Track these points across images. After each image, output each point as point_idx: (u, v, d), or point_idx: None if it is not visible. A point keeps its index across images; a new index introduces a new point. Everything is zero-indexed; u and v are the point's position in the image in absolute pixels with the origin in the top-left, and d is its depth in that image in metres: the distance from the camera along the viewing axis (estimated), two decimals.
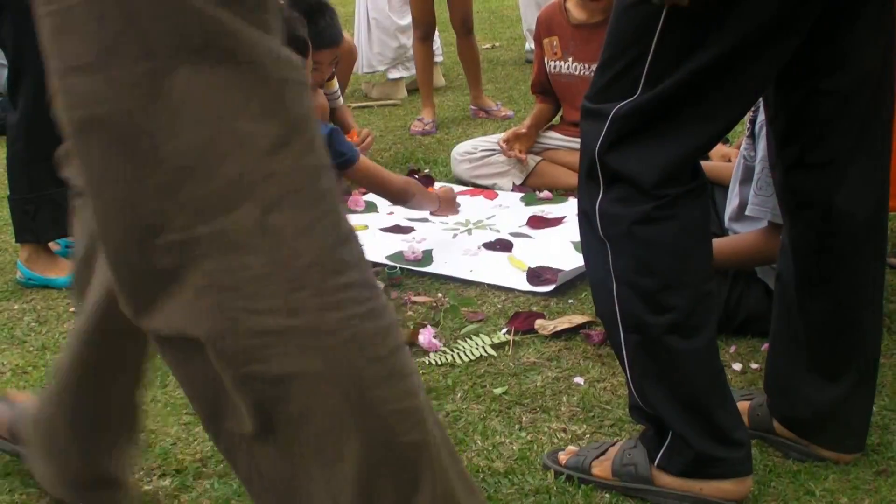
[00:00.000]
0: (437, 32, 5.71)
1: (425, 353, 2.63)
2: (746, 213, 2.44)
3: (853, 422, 2.04)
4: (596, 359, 2.56)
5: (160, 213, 1.10)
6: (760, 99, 2.04)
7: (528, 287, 3.04)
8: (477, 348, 2.64)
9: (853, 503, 1.92)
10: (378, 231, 3.66)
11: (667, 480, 1.91)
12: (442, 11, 5.36)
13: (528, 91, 5.04)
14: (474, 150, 4.20)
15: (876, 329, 2.01)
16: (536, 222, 3.66)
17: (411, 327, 2.76)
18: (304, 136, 1.15)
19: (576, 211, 3.68)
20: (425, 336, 2.66)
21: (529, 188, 4.08)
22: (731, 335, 2.61)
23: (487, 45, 7.57)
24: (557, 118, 4.31)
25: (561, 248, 3.37)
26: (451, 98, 5.90)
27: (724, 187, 2.74)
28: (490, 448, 2.17)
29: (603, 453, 2.03)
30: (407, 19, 5.69)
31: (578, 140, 4.21)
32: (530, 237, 3.53)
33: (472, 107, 5.45)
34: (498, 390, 2.42)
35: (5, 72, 3.28)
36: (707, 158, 3.18)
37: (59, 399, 1.86)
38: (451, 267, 3.24)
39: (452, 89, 6.14)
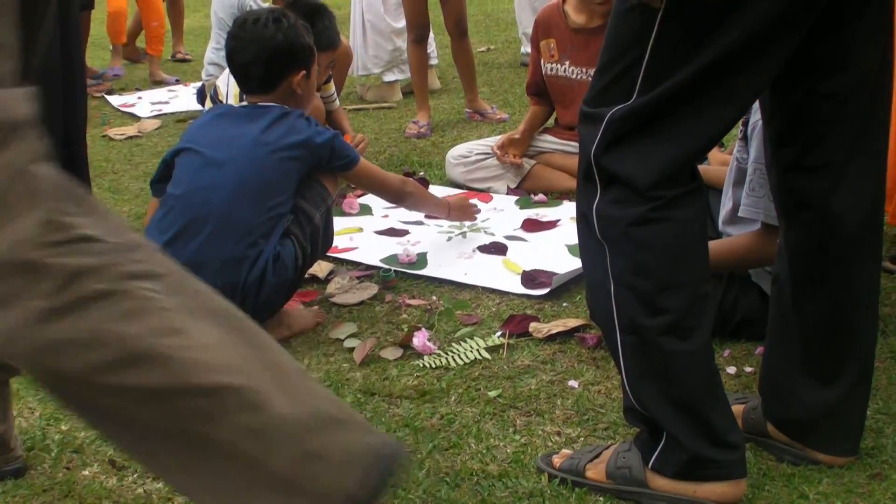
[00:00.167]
0: (432, 35, 5.71)
1: (419, 355, 2.63)
2: (739, 214, 2.44)
3: (847, 425, 2.04)
4: (590, 362, 2.56)
5: None
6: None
7: (522, 290, 3.04)
8: (471, 351, 2.64)
9: None
10: (373, 234, 3.66)
11: (661, 483, 1.91)
12: (437, 14, 5.35)
13: (524, 94, 5.03)
14: (469, 153, 4.20)
15: (871, 332, 2.01)
16: (531, 225, 3.66)
17: (405, 330, 2.76)
18: None
19: (570, 214, 3.74)
20: (419, 339, 2.65)
21: (524, 191, 4.08)
22: (726, 339, 2.61)
23: (483, 48, 7.57)
24: (551, 121, 4.31)
25: (555, 252, 3.37)
26: (446, 101, 5.90)
27: (719, 191, 2.74)
28: (484, 451, 2.17)
29: (597, 456, 2.03)
30: (402, 22, 5.69)
31: (573, 144, 4.26)
32: (525, 240, 3.53)
33: (468, 110, 5.44)
34: (492, 393, 2.42)
35: None
36: (705, 162, 3.18)
37: None
38: (446, 270, 3.24)
39: (448, 92, 6.14)
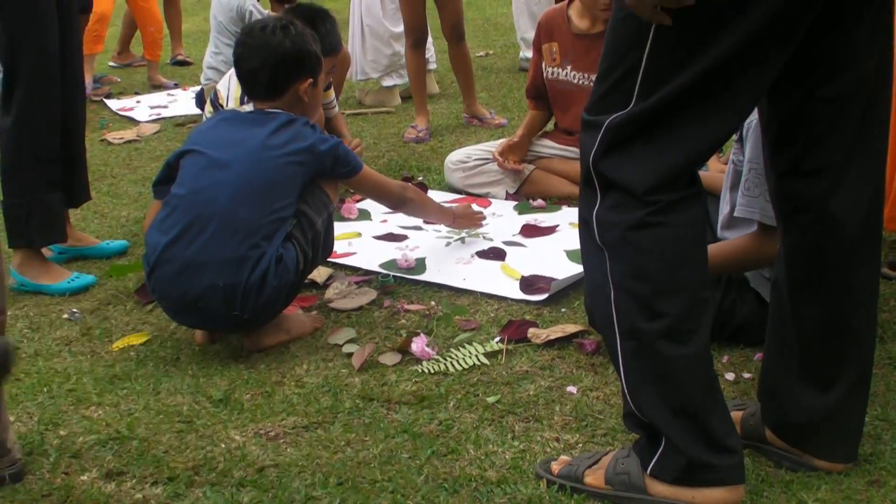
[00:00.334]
0: (430, 40, 5.71)
1: (418, 361, 2.63)
2: (735, 214, 2.44)
3: (845, 431, 2.04)
4: (589, 368, 2.56)
5: None
6: None
7: (521, 296, 3.04)
8: (470, 357, 2.64)
9: None
10: (371, 239, 3.66)
11: (660, 489, 1.91)
12: (435, 18, 5.36)
13: (522, 98, 5.03)
14: (467, 158, 4.20)
15: (869, 337, 2.01)
16: (530, 231, 3.66)
17: (404, 336, 2.76)
18: None
19: (569, 220, 3.74)
20: (418, 344, 2.65)
21: (523, 197, 4.08)
22: (724, 345, 2.61)
23: (481, 53, 7.58)
24: (550, 125, 4.31)
25: (554, 257, 3.37)
26: (444, 106, 5.91)
27: (717, 197, 2.74)
28: (483, 457, 2.17)
29: (596, 462, 2.03)
30: (401, 27, 5.69)
31: (572, 149, 4.27)
32: (523, 246, 3.53)
33: (466, 115, 5.45)
34: (491, 399, 2.42)
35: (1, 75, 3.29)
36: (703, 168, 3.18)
37: None
38: (445, 275, 3.24)
39: (446, 97, 6.14)
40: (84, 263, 3.54)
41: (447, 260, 3.39)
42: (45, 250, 3.40)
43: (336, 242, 3.05)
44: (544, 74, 4.10)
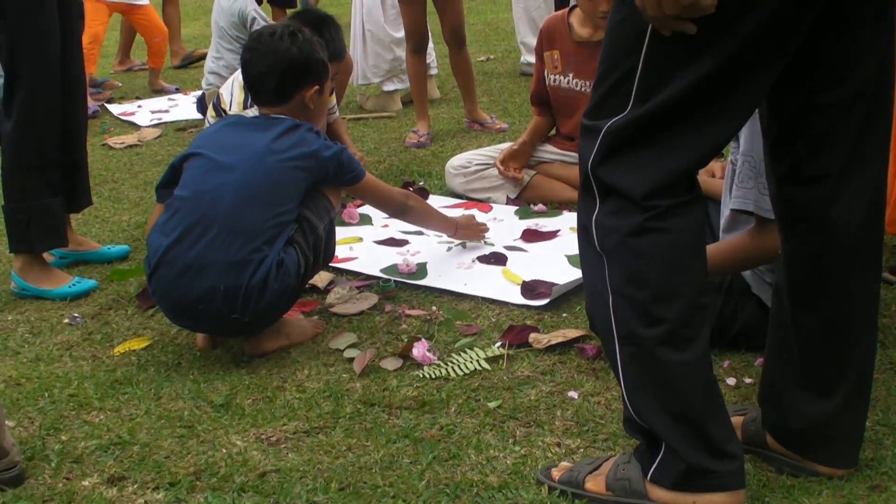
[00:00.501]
0: (431, 45, 5.71)
1: (419, 366, 2.63)
2: (730, 206, 2.44)
3: (846, 436, 2.04)
4: (590, 373, 2.56)
5: None
6: None
7: (522, 300, 3.05)
8: (471, 362, 2.64)
9: None
10: (372, 244, 3.67)
11: (660, 494, 1.91)
12: (436, 24, 5.36)
13: (524, 103, 5.06)
14: (468, 164, 4.20)
15: (870, 343, 2.01)
16: (531, 236, 3.66)
17: (405, 341, 2.77)
18: None
19: (570, 224, 3.75)
20: (419, 349, 2.66)
21: (524, 202, 4.08)
22: (725, 350, 2.61)
23: (482, 58, 7.59)
24: (552, 130, 4.31)
25: (555, 262, 3.37)
26: (445, 110, 5.91)
27: (718, 203, 2.74)
28: (484, 462, 2.17)
29: (597, 468, 2.03)
30: (402, 32, 5.69)
31: (573, 154, 4.27)
32: (524, 251, 3.53)
33: (467, 120, 5.45)
34: (492, 404, 2.42)
35: (1, 81, 3.29)
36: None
37: None
38: (446, 280, 3.24)
39: (447, 101, 6.15)
40: (85, 268, 3.55)
41: (448, 265, 3.39)
42: (46, 255, 3.40)
43: (337, 247, 3.06)
44: (547, 82, 4.10)
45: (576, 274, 3.19)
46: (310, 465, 2.19)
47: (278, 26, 2.94)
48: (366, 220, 3.92)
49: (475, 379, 2.56)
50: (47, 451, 2.31)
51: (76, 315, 3.11)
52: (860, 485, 2.02)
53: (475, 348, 2.71)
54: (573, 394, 2.45)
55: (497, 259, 3.43)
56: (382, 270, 3.35)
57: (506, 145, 4.33)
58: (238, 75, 3.60)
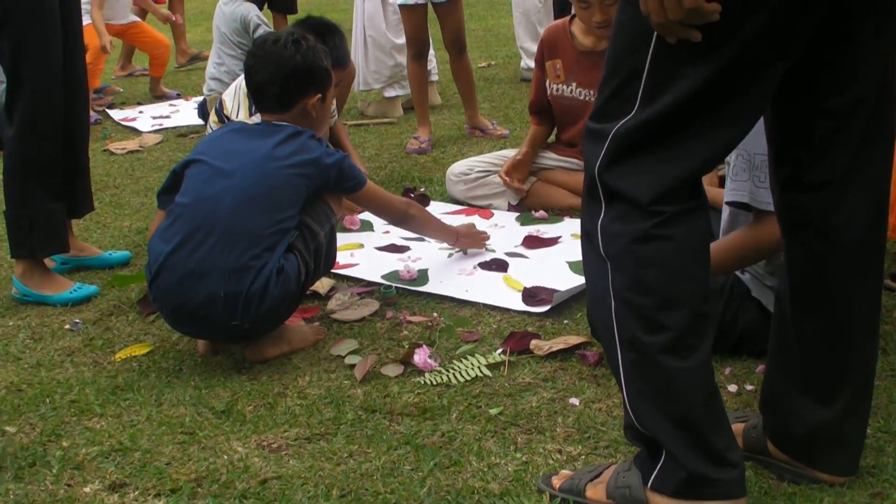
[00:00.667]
0: (432, 51, 5.72)
1: (420, 372, 2.63)
2: (724, 200, 2.44)
3: (847, 443, 2.04)
4: (591, 379, 2.56)
5: None
6: None
7: (523, 307, 3.05)
8: (472, 368, 2.64)
9: None
10: (373, 250, 3.67)
11: (660, 502, 1.90)
12: (437, 30, 5.37)
13: (525, 109, 5.05)
14: (469, 170, 4.20)
15: (871, 350, 2.01)
16: (532, 242, 3.66)
17: (406, 347, 2.77)
18: None
19: (571, 231, 3.74)
20: (420, 356, 2.66)
21: (525, 208, 4.08)
22: (727, 356, 2.61)
23: (483, 64, 7.59)
24: (552, 136, 4.31)
25: (556, 268, 3.37)
26: (446, 116, 5.92)
27: (718, 210, 2.74)
28: (485, 469, 2.17)
29: (597, 476, 2.02)
30: (403, 38, 5.70)
31: (574, 160, 4.26)
32: (526, 257, 3.53)
33: (468, 126, 5.45)
34: (493, 411, 2.42)
35: (3, 86, 3.29)
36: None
37: None
38: (447, 286, 3.24)
39: (448, 108, 6.15)
40: (86, 274, 3.55)
41: (449, 271, 3.39)
42: (47, 260, 3.41)
43: (338, 253, 3.06)
44: (548, 91, 4.10)
45: (577, 280, 3.19)
46: (311, 472, 2.19)
47: (282, 33, 2.94)
48: (367, 226, 3.92)
49: (476, 385, 2.56)
50: (48, 457, 2.31)
51: (77, 321, 3.11)
52: (861, 492, 2.02)
53: (476, 355, 2.71)
54: (574, 400, 2.45)
55: (498, 265, 3.43)
56: (383, 277, 3.35)
57: (507, 151, 4.34)
58: (241, 82, 3.61)
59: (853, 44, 1.79)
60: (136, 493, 2.15)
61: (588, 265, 1.91)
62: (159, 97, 7.11)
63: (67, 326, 3.09)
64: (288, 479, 2.16)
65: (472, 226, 3.62)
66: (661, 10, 1.63)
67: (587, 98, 3.98)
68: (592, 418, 2.36)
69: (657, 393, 1.83)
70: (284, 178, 2.75)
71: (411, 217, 3.22)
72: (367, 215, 3.92)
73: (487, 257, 3.50)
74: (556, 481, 2.05)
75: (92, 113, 6.10)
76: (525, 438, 2.30)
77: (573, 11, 4.00)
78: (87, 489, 2.17)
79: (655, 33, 1.70)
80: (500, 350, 2.74)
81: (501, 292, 3.18)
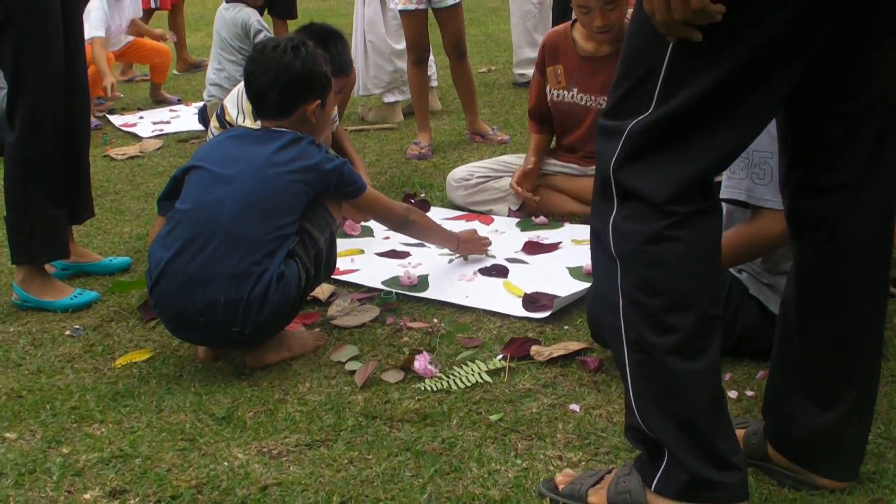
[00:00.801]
0: (432, 57, 5.72)
1: (421, 379, 2.63)
2: (721, 196, 2.44)
3: (848, 448, 2.04)
4: (591, 385, 2.56)
5: None
6: None
7: (523, 313, 3.05)
8: (472, 374, 2.64)
9: None
10: (374, 256, 3.67)
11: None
12: (437, 35, 5.37)
13: (525, 115, 5.05)
14: (470, 176, 4.20)
15: (875, 356, 2.01)
16: (532, 248, 3.66)
17: (407, 353, 2.77)
18: None
19: (571, 236, 3.74)
20: (421, 362, 2.66)
21: (525, 214, 4.08)
22: (728, 362, 2.61)
23: (483, 69, 7.60)
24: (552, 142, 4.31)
25: (557, 274, 3.37)
26: (447, 122, 5.92)
27: None
28: (486, 475, 2.17)
29: (599, 481, 2.02)
30: (403, 44, 5.70)
31: (574, 166, 4.25)
32: (526, 263, 3.53)
33: (468, 131, 5.45)
34: (493, 417, 2.42)
35: (4, 91, 3.30)
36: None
37: None
38: (447, 292, 3.24)
39: (448, 113, 6.16)
40: (87, 280, 3.55)
41: (450, 277, 3.40)
42: (47, 266, 3.41)
43: (339, 259, 3.06)
44: (549, 97, 4.09)
45: (578, 286, 3.19)
46: (311, 479, 2.19)
47: (282, 39, 2.95)
48: (367, 231, 3.92)
49: (477, 392, 2.56)
50: (48, 463, 2.31)
51: (77, 327, 3.11)
52: (862, 498, 2.02)
53: (477, 361, 2.71)
54: (575, 406, 2.45)
55: (498, 271, 3.43)
56: (384, 283, 3.35)
57: (507, 157, 4.34)
58: (243, 88, 3.60)
59: (869, 48, 1.79)
60: (137, 499, 2.15)
61: (596, 263, 1.90)
62: (160, 102, 7.11)
63: (68, 332, 3.09)
64: (288, 486, 2.16)
65: (474, 231, 3.62)
66: (666, 9, 1.64)
67: (588, 103, 3.98)
68: (593, 424, 2.37)
69: (663, 394, 1.83)
70: (284, 183, 2.75)
71: (412, 223, 3.22)
72: (367, 221, 3.93)
73: (488, 263, 3.50)
74: (561, 480, 2.04)
75: (93, 119, 6.11)
76: (525, 445, 2.30)
77: (573, 17, 4.01)
78: (87, 496, 2.17)
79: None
80: (500, 356, 2.74)
81: (502, 298, 3.18)
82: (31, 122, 3.19)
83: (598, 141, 1.85)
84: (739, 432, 2.15)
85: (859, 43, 1.78)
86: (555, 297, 3.10)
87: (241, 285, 2.63)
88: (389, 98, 6.09)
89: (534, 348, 2.74)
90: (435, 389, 2.58)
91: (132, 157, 5.49)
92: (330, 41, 3.70)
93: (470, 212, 4.16)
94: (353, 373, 2.69)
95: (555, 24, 6.14)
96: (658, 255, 1.78)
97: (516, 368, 2.68)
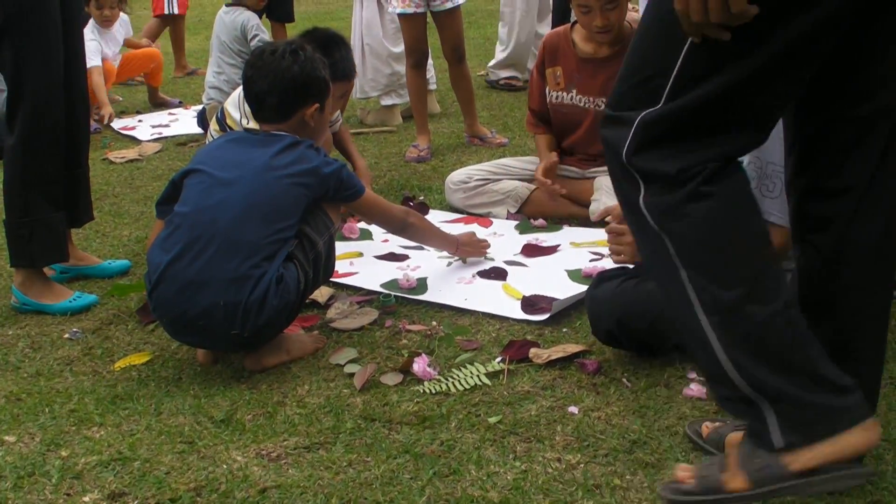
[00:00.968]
0: (431, 60, 5.73)
1: (419, 381, 2.63)
2: None
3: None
4: (590, 388, 2.56)
5: None
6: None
7: (522, 315, 3.05)
8: (471, 377, 2.64)
9: None
10: (373, 258, 3.67)
11: (800, 456, 1.81)
12: (435, 39, 5.37)
13: (523, 118, 5.04)
14: (469, 179, 4.20)
15: (877, 359, 2.01)
16: (531, 250, 3.66)
17: (406, 356, 2.77)
18: None
19: (570, 239, 3.75)
20: (419, 365, 2.66)
21: (524, 216, 4.08)
22: None
23: (482, 72, 7.59)
24: None
25: (555, 277, 3.37)
26: (445, 125, 5.92)
27: None
28: (484, 478, 2.17)
29: (724, 468, 1.91)
30: (400, 47, 5.71)
31: (573, 169, 4.24)
32: (525, 265, 3.53)
33: (467, 134, 5.46)
34: (492, 419, 2.42)
35: (4, 95, 3.30)
36: None
37: None
38: (446, 295, 3.24)
39: (447, 116, 6.16)
40: (86, 283, 3.55)
41: (448, 280, 3.40)
42: (46, 270, 3.41)
43: (338, 262, 3.07)
44: (548, 100, 4.09)
45: (576, 289, 3.19)
46: (310, 481, 2.19)
47: (280, 44, 2.96)
48: (366, 234, 3.93)
49: (475, 394, 2.57)
50: (48, 466, 2.31)
51: (77, 330, 3.11)
52: (861, 500, 2.02)
53: (475, 363, 2.71)
54: (573, 409, 2.45)
55: (497, 274, 3.43)
56: (383, 285, 3.35)
57: (506, 160, 4.34)
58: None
59: (881, 53, 1.79)
60: (136, 502, 2.15)
61: (643, 244, 1.87)
62: (160, 105, 7.11)
63: (67, 336, 3.09)
64: (287, 489, 2.17)
65: (473, 234, 3.62)
66: (703, 11, 1.63)
67: (587, 105, 3.99)
68: (591, 427, 2.37)
69: (752, 344, 1.79)
70: (283, 187, 2.75)
71: (410, 226, 3.23)
72: (366, 224, 3.93)
73: (486, 266, 3.51)
74: (686, 479, 1.92)
75: (92, 122, 6.11)
76: (524, 447, 2.30)
77: (572, 19, 4.01)
78: (86, 499, 2.17)
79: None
80: (499, 358, 2.74)
81: (500, 301, 3.18)
82: (30, 125, 3.19)
83: (604, 129, 1.84)
84: (739, 434, 2.15)
85: (871, 47, 1.78)
86: (553, 299, 3.10)
87: (240, 288, 2.64)
88: (387, 101, 6.10)
89: (532, 351, 2.75)
90: (434, 392, 2.58)
91: (131, 161, 5.49)
92: (333, 46, 3.71)
93: (469, 214, 4.16)
94: (351, 375, 2.69)
95: (554, 25, 6.15)
96: (701, 212, 1.76)
97: (515, 371, 2.68)
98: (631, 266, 2.80)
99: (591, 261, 3.48)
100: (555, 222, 4.01)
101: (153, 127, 6.37)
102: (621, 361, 2.69)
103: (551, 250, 3.67)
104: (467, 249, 3.51)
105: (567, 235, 3.84)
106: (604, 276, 2.79)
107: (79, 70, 3.39)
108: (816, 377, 1.80)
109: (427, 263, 3.57)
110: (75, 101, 3.36)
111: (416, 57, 5.23)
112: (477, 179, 4.19)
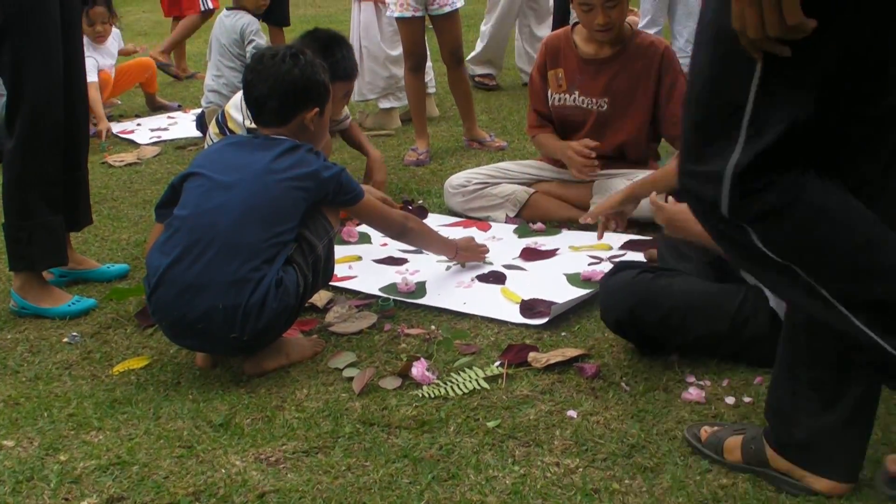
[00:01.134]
0: (429, 63, 5.73)
1: (418, 385, 2.63)
2: None
3: (849, 449, 2.03)
4: (589, 392, 2.56)
5: None
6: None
7: (521, 319, 3.05)
8: (470, 381, 2.64)
9: None
10: (371, 262, 3.67)
11: None
12: (434, 42, 5.38)
13: (522, 121, 5.05)
14: (467, 182, 4.20)
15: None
16: (530, 254, 3.66)
17: (404, 360, 2.77)
18: None
19: (569, 243, 3.75)
20: (418, 369, 2.66)
21: (522, 220, 4.08)
22: (725, 368, 2.61)
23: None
24: None
25: (554, 281, 3.37)
26: (444, 128, 5.92)
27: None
28: (483, 482, 2.17)
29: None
30: (398, 50, 5.72)
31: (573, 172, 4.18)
32: (524, 269, 3.53)
33: (466, 138, 5.46)
34: (491, 423, 2.42)
35: (4, 99, 3.30)
36: None
37: None
38: (445, 299, 3.24)
39: (446, 119, 6.16)
40: (85, 287, 3.55)
41: (447, 284, 3.40)
42: (45, 273, 3.41)
43: (336, 266, 3.06)
44: (550, 102, 4.10)
45: (575, 293, 3.20)
46: (309, 486, 2.19)
47: (280, 48, 2.96)
48: (365, 238, 3.93)
49: (474, 398, 2.57)
50: (46, 471, 2.31)
51: (75, 334, 3.11)
52: None
53: (474, 367, 2.71)
54: (572, 413, 2.45)
55: (496, 278, 3.43)
56: (381, 289, 3.35)
57: (505, 163, 4.34)
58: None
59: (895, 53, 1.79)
60: None
61: (771, 284, 1.87)
62: (159, 108, 7.11)
63: (65, 339, 3.09)
64: (286, 493, 2.16)
65: (472, 239, 3.62)
66: (759, 26, 1.60)
67: (589, 106, 3.99)
68: (590, 431, 2.37)
69: None
70: (283, 191, 2.76)
71: (409, 230, 3.23)
72: (365, 227, 3.93)
73: (485, 270, 3.51)
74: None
75: (91, 126, 6.10)
76: (523, 451, 2.30)
77: (573, 20, 4.01)
78: (84, 503, 2.17)
79: (760, 64, 1.67)
80: (497, 363, 2.74)
81: (499, 305, 3.18)
82: (30, 131, 3.19)
83: (689, 182, 1.80)
84: (738, 439, 2.15)
85: (886, 48, 1.78)
86: (552, 303, 3.10)
87: (239, 292, 2.64)
88: (385, 104, 6.10)
89: (531, 355, 2.75)
90: (432, 396, 2.58)
91: (130, 164, 5.49)
92: (334, 46, 3.71)
93: (467, 218, 4.16)
94: (350, 379, 2.69)
95: (555, 27, 6.16)
96: (816, 229, 1.75)
97: (514, 375, 2.68)
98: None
99: (589, 264, 3.48)
100: (553, 226, 4.01)
101: (152, 130, 6.37)
102: (620, 365, 2.69)
103: (550, 254, 3.67)
104: (465, 254, 3.51)
105: (566, 239, 3.84)
106: (622, 265, 2.81)
107: (78, 71, 3.39)
108: None
109: (426, 267, 3.57)
110: (75, 102, 3.36)
111: (415, 60, 5.23)
112: (476, 183, 4.19)
